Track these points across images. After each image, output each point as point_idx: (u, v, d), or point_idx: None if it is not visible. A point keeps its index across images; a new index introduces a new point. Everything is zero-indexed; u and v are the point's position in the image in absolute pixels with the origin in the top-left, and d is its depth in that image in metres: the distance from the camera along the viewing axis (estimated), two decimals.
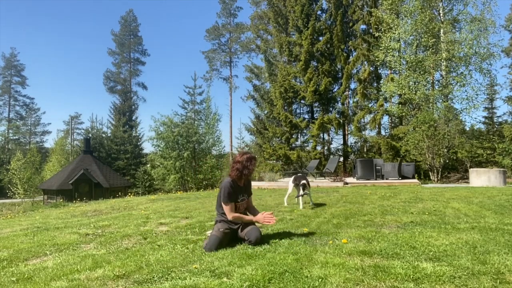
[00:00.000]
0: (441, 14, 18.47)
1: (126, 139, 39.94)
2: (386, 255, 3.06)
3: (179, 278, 2.66)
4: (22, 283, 2.82)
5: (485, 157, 19.21)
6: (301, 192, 6.07)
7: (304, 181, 6.21)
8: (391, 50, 18.28)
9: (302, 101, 24.34)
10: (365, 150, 23.57)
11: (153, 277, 2.72)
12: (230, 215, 3.75)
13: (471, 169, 12.27)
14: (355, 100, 23.92)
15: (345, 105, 23.86)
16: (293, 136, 23.99)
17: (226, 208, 3.76)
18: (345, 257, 3.03)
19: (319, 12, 24.29)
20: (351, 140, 25.22)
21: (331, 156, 22.44)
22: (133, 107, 46.20)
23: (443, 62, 17.67)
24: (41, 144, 52.10)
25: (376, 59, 19.42)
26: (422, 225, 4.44)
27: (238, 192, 3.85)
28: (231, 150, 38.06)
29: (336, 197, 7.94)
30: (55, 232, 5.15)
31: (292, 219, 5.28)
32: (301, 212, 5.96)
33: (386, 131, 23.46)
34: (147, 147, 44.14)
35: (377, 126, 22.34)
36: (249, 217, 3.86)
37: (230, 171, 3.94)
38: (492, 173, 11.16)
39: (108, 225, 5.57)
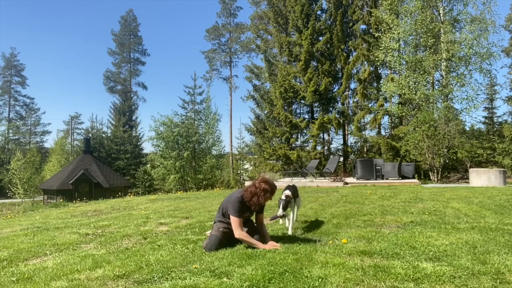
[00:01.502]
0: (441, 14, 18.46)
1: (126, 139, 39.94)
2: (386, 255, 3.06)
3: (179, 278, 2.66)
4: (22, 283, 2.82)
5: (485, 157, 19.20)
6: (280, 211, 4.17)
7: (287, 192, 4.38)
8: (391, 50, 18.27)
9: (302, 101, 24.33)
10: (365, 150, 23.56)
11: (153, 277, 2.72)
12: (237, 231, 3.63)
13: (471, 169, 12.27)
14: (355, 100, 23.91)
15: (345, 105, 23.85)
16: (293, 136, 23.98)
17: (234, 221, 3.66)
18: (345, 257, 3.03)
19: (319, 12, 24.29)
20: (351, 140, 25.23)
21: (331, 156, 22.42)
22: (133, 107, 46.21)
23: (443, 62, 17.65)
24: (41, 144, 52.11)
25: (376, 59, 19.41)
26: (422, 225, 4.44)
27: (245, 210, 3.80)
28: (231, 150, 38.05)
29: (336, 197, 7.94)
30: (55, 232, 5.15)
31: None
32: (300, 212, 5.95)
33: (386, 131, 23.46)
34: (147, 147, 44.17)
35: (377, 126, 22.33)
36: (257, 242, 3.62)
37: (246, 189, 3.82)
38: (492, 173, 11.16)
39: (108, 225, 5.56)
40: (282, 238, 3.92)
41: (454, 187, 10.72)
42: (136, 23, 49.86)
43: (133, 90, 48.53)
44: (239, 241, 3.75)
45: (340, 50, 22.62)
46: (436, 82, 18.91)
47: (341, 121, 23.30)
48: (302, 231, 4.35)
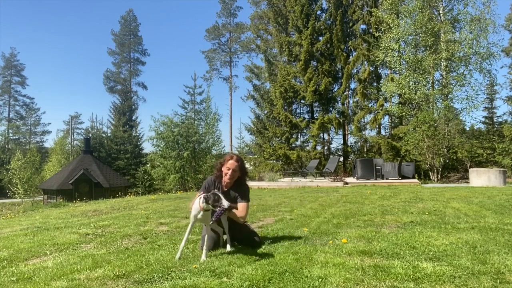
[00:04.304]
0: (441, 14, 18.47)
1: (126, 139, 39.91)
2: (386, 255, 3.06)
3: (179, 278, 2.66)
4: (22, 283, 2.81)
5: (485, 157, 19.20)
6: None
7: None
8: (391, 50, 18.26)
9: (302, 101, 24.33)
10: (365, 150, 23.56)
11: (153, 277, 2.72)
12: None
13: (471, 169, 12.27)
14: (355, 100, 23.92)
15: (345, 105, 23.86)
16: (293, 136, 23.98)
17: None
18: (345, 257, 3.03)
19: (319, 12, 24.28)
20: (351, 140, 25.24)
21: (331, 156, 22.43)
22: (133, 107, 46.21)
23: (443, 62, 17.66)
24: (41, 144, 52.06)
25: (376, 59, 19.41)
26: (422, 225, 4.44)
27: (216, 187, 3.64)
28: (231, 150, 38.04)
29: (336, 197, 7.94)
30: (55, 232, 5.14)
31: (292, 219, 5.28)
32: (301, 212, 5.95)
33: (386, 131, 23.46)
34: (147, 147, 44.00)
35: (377, 126, 22.33)
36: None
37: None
38: (492, 173, 11.16)
39: (108, 225, 5.56)
40: (282, 238, 3.92)
41: (454, 187, 10.72)
42: (136, 23, 49.89)
43: (133, 90, 48.63)
44: (238, 241, 3.75)
45: (340, 50, 22.61)
46: (436, 82, 18.92)
47: (341, 121, 23.30)
48: (302, 231, 4.34)
